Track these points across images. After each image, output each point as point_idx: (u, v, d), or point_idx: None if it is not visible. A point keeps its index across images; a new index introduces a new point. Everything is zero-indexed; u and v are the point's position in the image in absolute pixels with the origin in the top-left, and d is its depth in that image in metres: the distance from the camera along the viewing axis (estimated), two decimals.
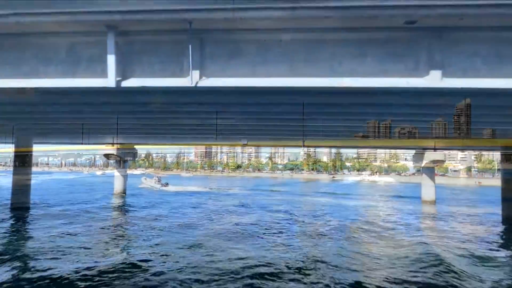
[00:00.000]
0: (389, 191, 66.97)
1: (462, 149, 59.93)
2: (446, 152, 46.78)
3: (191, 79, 9.49)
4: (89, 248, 15.46)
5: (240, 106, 15.00)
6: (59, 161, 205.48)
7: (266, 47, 9.49)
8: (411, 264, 13.74)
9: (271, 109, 15.52)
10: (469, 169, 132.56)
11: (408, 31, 8.86)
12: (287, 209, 32.46)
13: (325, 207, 35.11)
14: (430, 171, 38.04)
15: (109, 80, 9.60)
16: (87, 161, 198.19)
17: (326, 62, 9.32)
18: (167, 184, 61.51)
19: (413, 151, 41.82)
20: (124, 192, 43.67)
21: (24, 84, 10.14)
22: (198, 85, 9.56)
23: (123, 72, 9.83)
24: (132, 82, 9.86)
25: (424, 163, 36.44)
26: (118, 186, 43.77)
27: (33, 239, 17.86)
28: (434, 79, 8.90)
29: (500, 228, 24.44)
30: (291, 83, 9.48)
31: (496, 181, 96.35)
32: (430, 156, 35.94)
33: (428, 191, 38.92)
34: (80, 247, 15.55)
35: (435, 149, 32.28)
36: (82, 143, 31.25)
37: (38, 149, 45.57)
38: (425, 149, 34.86)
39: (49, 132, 28.13)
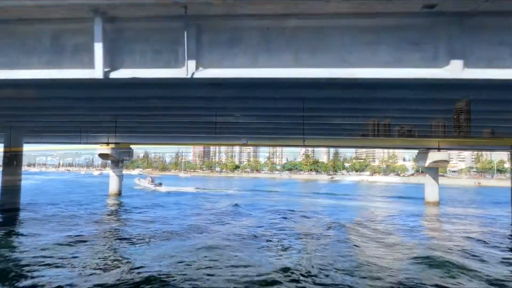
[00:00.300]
0: (390, 191, 66.24)
1: (467, 149, 59.16)
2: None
3: (187, 70, 8.65)
4: (77, 257, 14.39)
5: (239, 100, 14.14)
6: (57, 161, 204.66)
7: (269, 35, 8.64)
8: (425, 271, 12.87)
9: (272, 104, 14.67)
10: (468, 170, 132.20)
11: (426, 16, 8.02)
12: (286, 210, 31.56)
13: (325, 209, 34.29)
14: (433, 172, 37.31)
15: (97, 71, 8.77)
16: (86, 161, 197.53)
17: (335, 51, 8.48)
18: (160, 185, 61.89)
19: (414, 151, 41.08)
20: (119, 192, 42.88)
21: (2, 75, 9.27)
22: (195, 76, 8.71)
23: (112, 62, 8.97)
24: (122, 73, 9.00)
25: (427, 163, 35.63)
26: (113, 186, 42.97)
27: (17, 244, 16.82)
28: (454, 70, 8.07)
29: (510, 231, 23.62)
30: (295, 74, 8.64)
31: (495, 182, 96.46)
32: (433, 156, 35.14)
33: (431, 192, 38.18)
34: (67, 256, 14.47)
35: (439, 149, 31.48)
36: (80, 143, 30.59)
37: (31, 149, 44.66)
38: (428, 149, 34.08)
39: (41, 130, 27.27)
